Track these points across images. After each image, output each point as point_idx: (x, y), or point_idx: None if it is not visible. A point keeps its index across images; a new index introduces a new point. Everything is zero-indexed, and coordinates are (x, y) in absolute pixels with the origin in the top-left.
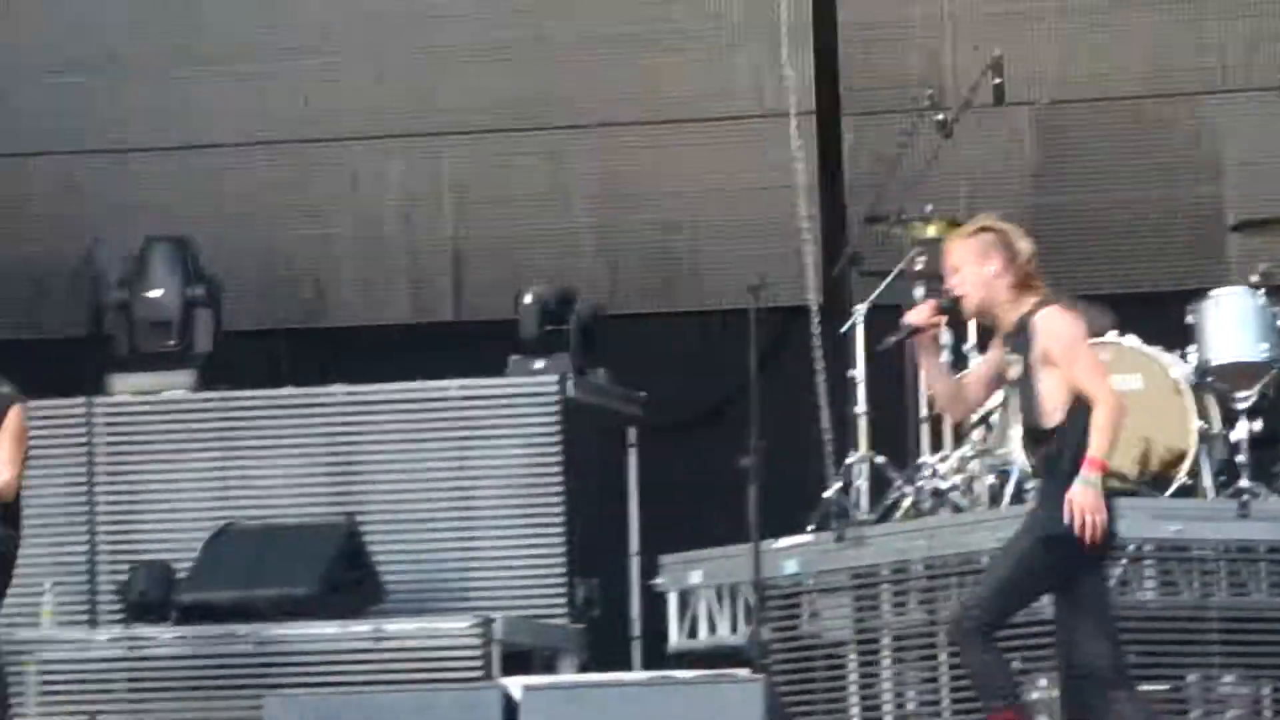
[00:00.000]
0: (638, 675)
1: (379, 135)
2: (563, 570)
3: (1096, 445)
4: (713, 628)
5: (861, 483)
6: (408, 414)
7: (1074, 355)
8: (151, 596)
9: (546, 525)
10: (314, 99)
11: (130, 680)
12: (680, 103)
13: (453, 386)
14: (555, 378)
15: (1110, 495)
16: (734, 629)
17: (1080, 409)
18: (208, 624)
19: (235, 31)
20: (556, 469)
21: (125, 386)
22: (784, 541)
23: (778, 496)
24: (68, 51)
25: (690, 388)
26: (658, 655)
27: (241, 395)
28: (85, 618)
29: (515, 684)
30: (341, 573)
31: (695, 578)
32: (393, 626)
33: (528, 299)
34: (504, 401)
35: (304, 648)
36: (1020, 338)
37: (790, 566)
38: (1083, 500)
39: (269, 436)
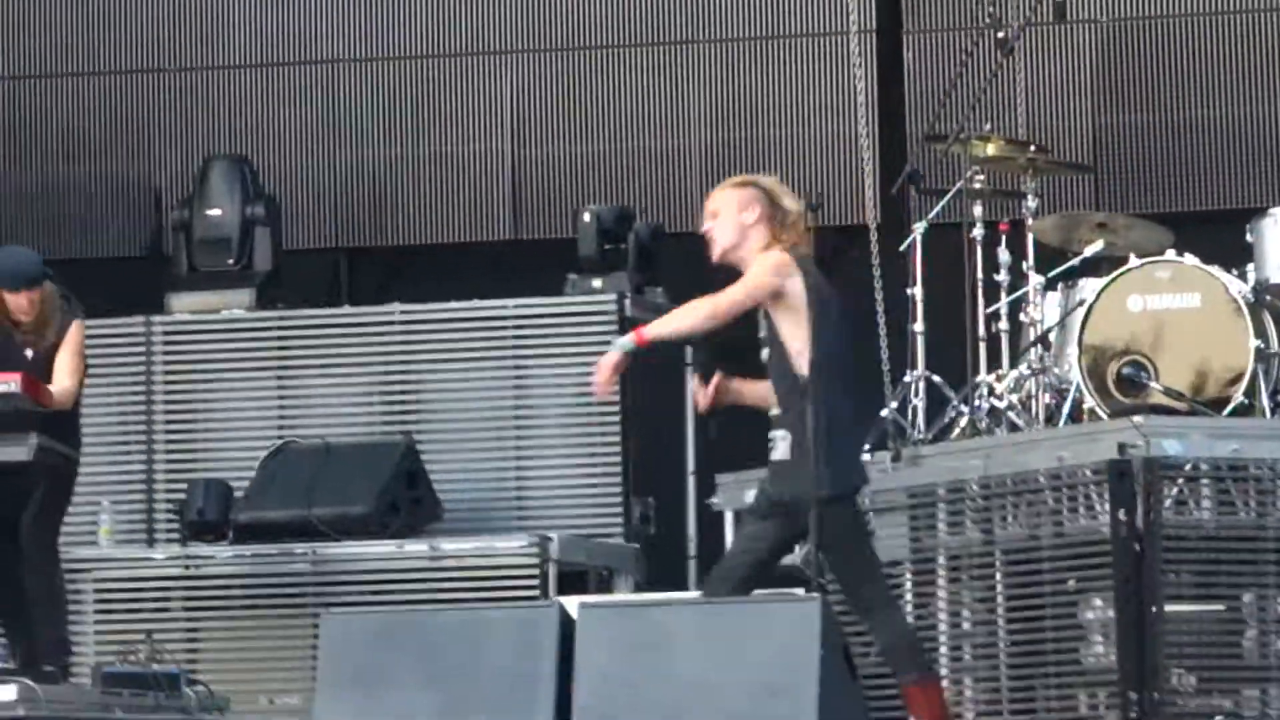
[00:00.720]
0: (695, 594)
1: (436, 54)
2: (619, 489)
3: (661, 322)
4: None
5: (918, 401)
6: (465, 333)
7: (751, 268)
8: (209, 515)
9: (603, 444)
10: (371, 16)
11: (187, 599)
12: (739, 20)
13: (510, 305)
14: (613, 296)
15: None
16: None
17: (828, 367)
18: (264, 543)
19: None
20: (613, 388)
21: (184, 305)
22: None
23: None
24: None
25: None
26: None
27: (300, 314)
28: (142, 536)
29: (572, 602)
30: (398, 491)
31: (751, 497)
32: (449, 545)
33: (586, 217)
34: (562, 320)
35: (361, 566)
36: None
37: None
38: (608, 361)
39: (327, 355)
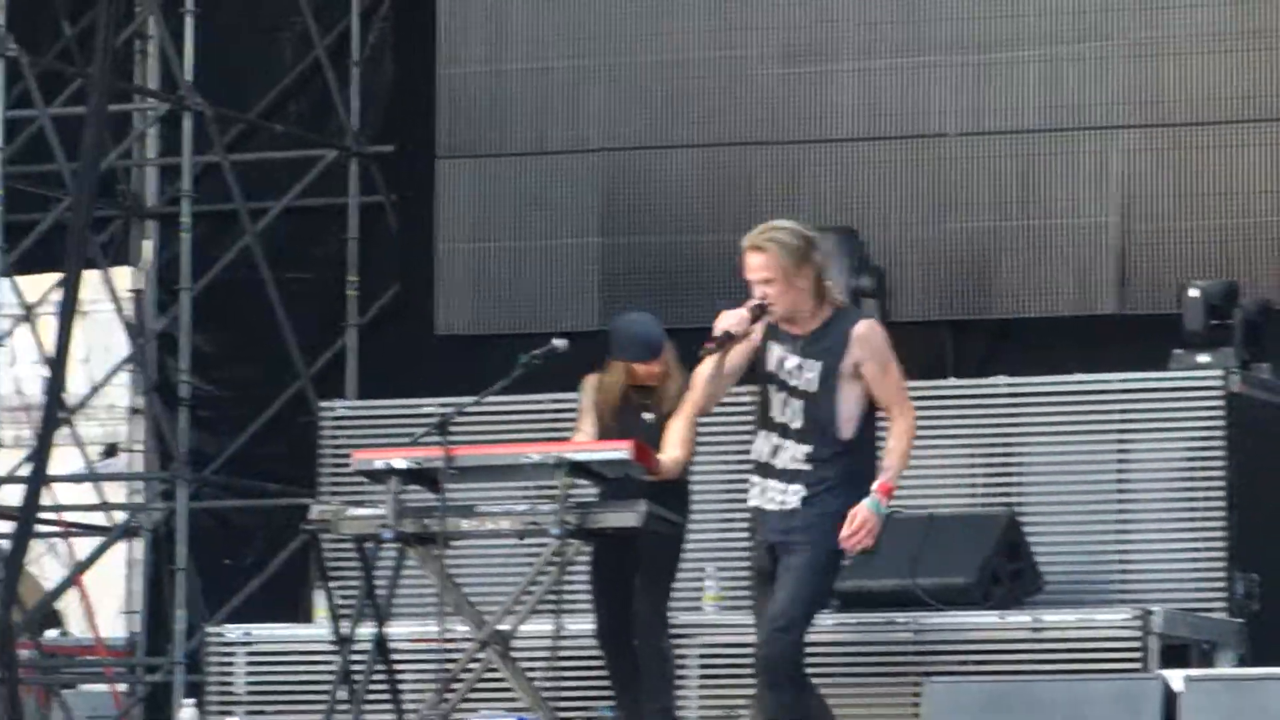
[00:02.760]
0: None
1: (1044, 128)
2: (1222, 564)
3: (895, 472)
4: None
5: None
6: (1069, 406)
7: (889, 369)
8: None
9: (1206, 519)
10: (979, 91)
11: None
12: None
13: (1114, 380)
14: (1219, 372)
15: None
16: None
17: (871, 424)
18: (868, 611)
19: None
20: (1218, 463)
21: None
22: None
23: None
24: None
25: None
26: None
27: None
28: (747, 603)
29: (1176, 676)
30: (1001, 563)
31: None
32: (1051, 617)
33: (1193, 292)
34: (1166, 395)
35: (962, 637)
36: (824, 345)
37: None
38: (871, 524)
39: (932, 427)
